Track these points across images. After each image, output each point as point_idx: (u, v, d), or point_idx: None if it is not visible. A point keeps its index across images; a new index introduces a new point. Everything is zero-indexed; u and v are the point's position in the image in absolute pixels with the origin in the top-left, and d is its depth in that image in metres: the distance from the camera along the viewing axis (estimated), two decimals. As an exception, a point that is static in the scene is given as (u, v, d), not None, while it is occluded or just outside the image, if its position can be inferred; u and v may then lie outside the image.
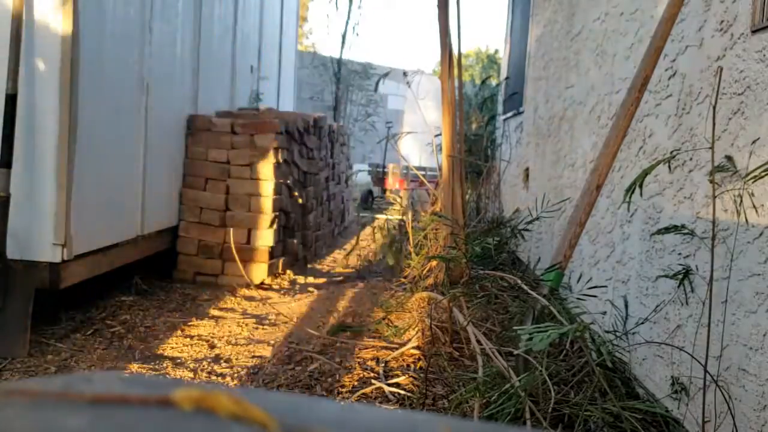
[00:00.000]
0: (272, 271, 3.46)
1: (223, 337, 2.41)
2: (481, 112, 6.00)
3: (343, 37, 11.37)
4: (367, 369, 2.13)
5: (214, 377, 2.04)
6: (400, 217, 3.78)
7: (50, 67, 2.17)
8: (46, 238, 2.19)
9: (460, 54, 3.18)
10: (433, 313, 2.42)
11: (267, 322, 2.65)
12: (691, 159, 1.65)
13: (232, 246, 3.34)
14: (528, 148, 4.05)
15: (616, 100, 2.26)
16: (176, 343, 2.33)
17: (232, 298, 3.05)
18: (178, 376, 2.03)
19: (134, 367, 2.08)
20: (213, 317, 2.69)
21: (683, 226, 1.57)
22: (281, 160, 3.50)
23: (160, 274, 3.34)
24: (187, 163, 3.41)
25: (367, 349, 2.34)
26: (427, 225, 3.67)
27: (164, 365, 2.10)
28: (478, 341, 1.97)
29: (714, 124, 1.46)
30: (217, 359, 2.18)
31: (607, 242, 2.26)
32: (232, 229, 3.36)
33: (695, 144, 1.63)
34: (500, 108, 5.61)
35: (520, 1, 4.93)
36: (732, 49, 1.48)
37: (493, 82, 7.03)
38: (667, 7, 1.66)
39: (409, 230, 3.64)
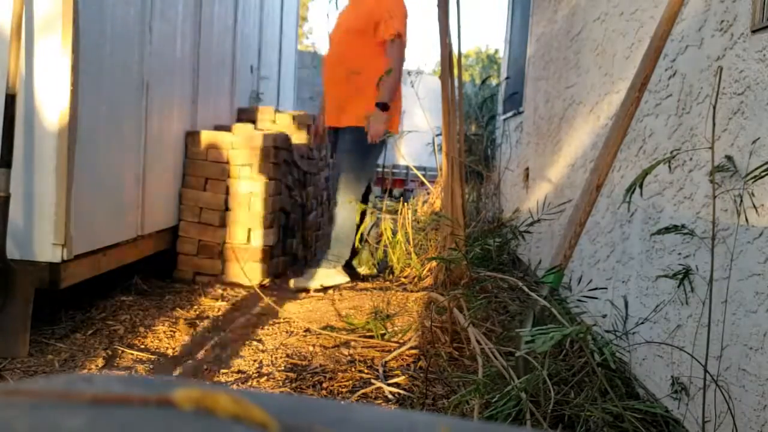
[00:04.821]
0: (272, 272, 3.46)
1: (222, 338, 2.42)
2: (481, 112, 6.01)
3: (343, 36, 11.33)
4: (367, 369, 2.13)
5: (214, 377, 2.05)
6: (400, 217, 3.78)
7: (50, 67, 2.17)
8: (46, 238, 2.19)
9: (460, 54, 3.18)
10: (433, 313, 2.42)
11: (267, 321, 2.65)
12: (691, 159, 1.65)
13: (232, 246, 3.34)
14: (528, 148, 4.05)
15: (616, 100, 2.26)
16: (176, 344, 2.33)
17: (232, 299, 3.05)
18: (178, 376, 2.03)
19: (134, 367, 2.08)
20: (213, 317, 2.69)
21: (683, 226, 1.57)
22: (281, 160, 3.50)
23: (160, 274, 3.34)
24: (186, 162, 3.41)
25: (366, 348, 2.34)
26: (427, 225, 3.67)
27: (164, 365, 2.10)
28: (478, 341, 1.97)
29: (714, 124, 1.46)
30: (217, 359, 2.18)
31: (607, 242, 2.26)
32: (231, 229, 3.36)
33: (695, 144, 1.63)
34: (500, 108, 5.61)
35: (520, 1, 4.93)
36: (732, 49, 1.48)
37: (493, 82, 7.03)
38: (667, 7, 1.66)
39: (409, 230, 3.64)
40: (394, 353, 2.25)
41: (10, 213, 2.11)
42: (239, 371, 2.08)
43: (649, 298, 1.85)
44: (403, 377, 2.04)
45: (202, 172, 3.41)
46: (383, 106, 3.28)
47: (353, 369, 2.12)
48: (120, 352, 2.21)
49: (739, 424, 1.33)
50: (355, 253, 3.71)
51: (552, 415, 1.55)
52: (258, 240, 3.38)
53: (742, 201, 1.37)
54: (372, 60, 3.35)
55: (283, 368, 2.10)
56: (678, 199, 1.71)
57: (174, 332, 2.45)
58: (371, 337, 2.46)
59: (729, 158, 1.44)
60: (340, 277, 3.40)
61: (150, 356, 2.19)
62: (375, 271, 3.74)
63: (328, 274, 3.37)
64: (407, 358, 2.24)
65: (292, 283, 3.31)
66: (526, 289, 1.74)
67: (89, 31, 2.30)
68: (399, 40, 3.32)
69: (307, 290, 3.27)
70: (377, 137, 3.30)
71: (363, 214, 3.61)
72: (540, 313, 1.62)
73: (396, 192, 10.15)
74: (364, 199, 3.60)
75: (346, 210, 3.45)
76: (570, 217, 1.79)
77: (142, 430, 0.24)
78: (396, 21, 3.32)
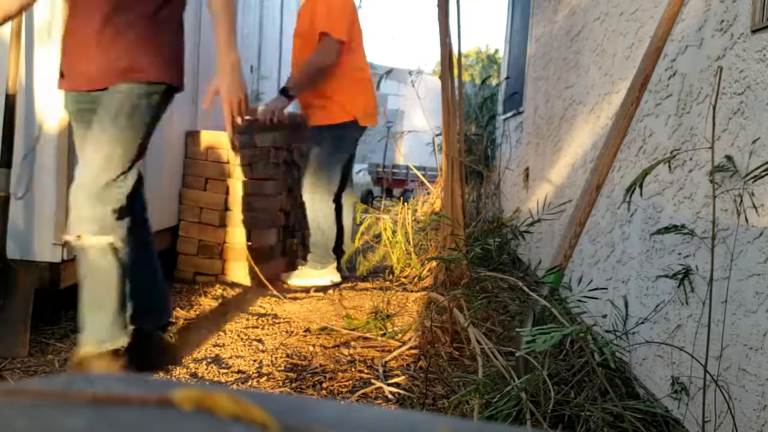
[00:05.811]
0: (272, 271, 3.46)
1: (222, 338, 2.42)
2: (481, 112, 6.01)
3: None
4: (367, 369, 2.13)
5: (214, 377, 2.05)
6: (399, 217, 3.78)
7: (50, 67, 2.17)
8: (46, 238, 2.19)
9: (460, 54, 3.19)
10: (433, 313, 2.42)
11: (267, 322, 2.65)
12: (691, 159, 1.65)
13: (232, 246, 3.34)
14: (528, 148, 4.05)
15: (616, 100, 2.26)
16: (176, 344, 2.33)
17: (232, 299, 3.05)
18: (178, 377, 2.03)
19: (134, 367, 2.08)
20: (212, 317, 2.69)
21: (683, 226, 1.57)
22: (281, 160, 3.50)
23: (160, 274, 3.34)
24: (186, 162, 3.41)
25: (366, 348, 2.34)
26: (427, 225, 3.67)
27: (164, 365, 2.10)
28: (479, 341, 1.97)
29: (714, 124, 1.46)
30: (217, 359, 2.18)
31: (607, 242, 2.26)
32: (231, 229, 3.36)
33: (695, 144, 1.63)
34: (500, 108, 5.61)
35: (520, 1, 4.93)
36: (732, 49, 1.48)
37: (493, 82, 7.04)
38: (667, 7, 1.66)
39: (409, 230, 3.64)
40: (394, 353, 2.25)
41: (10, 213, 2.12)
42: (239, 371, 2.08)
43: (649, 298, 1.85)
44: (403, 377, 2.04)
45: (202, 172, 3.41)
46: (284, 91, 3.29)
47: (353, 369, 2.12)
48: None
49: (739, 424, 1.33)
50: (341, 253, 3.70)
51: (552, 415, 1.55)
52: (258, 240, 3.38)
53: (742, 201, 1.37)
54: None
55: (283, 368, 2.10)
56: (678, 199, 1.71)
57: (174, 332, 2.45)
58: (371, 336, 2.46)
59: (729, 158, 1.44)
60: (330, 278, 3.42)
61: (150, 356, 2.19)
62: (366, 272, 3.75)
63: (319, 274, 3.40)
64: (407, 358, 2.24)
65: (285, 278, 3.37)
66: (526, 289, 1.74)
67: (89, 31, 2.30)
68: (327, 37, 3.26)
69: (307, 290, 3.28)
70: (267, 116, 3.27)
71: (342, 214, 3.63)
72: (540, 313, 1.62)
73: (396, 192, 10.16)
74: (339, 196, 3.57)
75: (318, 211, 3.43)
76: (570, 217, 1.79)
77: (142, 430, 0.24)
78: (327, 19, 3.27)
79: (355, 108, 3.39)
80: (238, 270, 3.33)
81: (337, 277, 3.44)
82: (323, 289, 3.31)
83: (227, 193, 3.39)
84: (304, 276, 3.38)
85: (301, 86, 3.30)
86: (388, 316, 2.64)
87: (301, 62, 3.37)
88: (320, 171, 3.41)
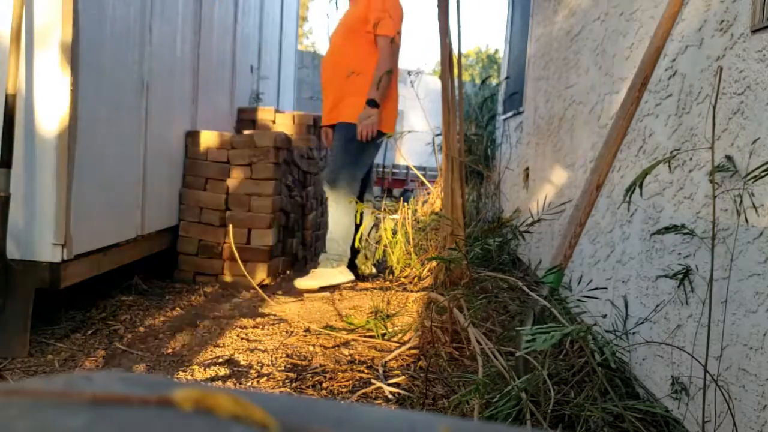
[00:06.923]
0: (272, 272, 3.46)
1: (222, 338, 2.41)
2: (481, 112, 6.00)
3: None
4: (366, 369, 2.13)
5: (214, 377, 2.04)
6: (399, 217, 3.78)
7: (50, 66, 2.17)
8: (46, 238, 2.19)
9: (460, 54, 3.18)
10: (433, 313, 2.42)
11: (266, 322, 2.65)
12: (691, 159, 1.65)
13: (233, 246, 3.34)
14: (528, 148, 4.05)
15: (616, 100, 2.26)
16: (176, 344, 2.33)
17: (232, 298, 3.05)
18: (179, 377, 2.03)
19: (134, 367, 2.08)
20: (212, 317, 2.69)
21: (683, 226, 1.57)
22: (281, 160, 3.50)
23: (161, 274, 3.34)
24: (187, 162, 3.41)
25: (366, 348, 2.34)
26: (427, 225, 3.67)
27: (164, 365, 2.10)
28: (479, 341, 1.97)
29: (714, 124, 1.46)
30: (217, 359, 2.18)
31: (607, 242, 2.26)
32: (231, 229, 3.36)
33: (695, 144, 1.63)
34: (500, 108, 5.61)
35: (520, 1, 4.93)
36: (732, 49, 1.48)
37: (493, 82, 7.04)
38: (667, 7, 1.66)
39: (409, 230, 3.64)
40: (394, 353, 2.25)
41: (11, 213, 2.12)
42: (239, 371, 2.08)
43: (649, 298, 1.85)
44: (403, 377, 2.04)
45: (202, 172, 3.41)
46: (374, 104, 3.29)
47: (353, 369, 2.12)
48: (120, 352, 2.21)
49: (739, 424, 1.33)
50: (356, 252, 3.71)
51: (552, 415, 1.55)
52: (258, 240, 3.38)
53: (742, 201, 1.37)
54: (370, 60, 3.35)
55: (283, 368, 2.10)
56: (678, 199, 1.71)
57: (174, 332, 2.45)
58: (371, 337, 2.46)
59: (729, 158, 1.44)
60: (343, 276, 3.40)
61: (150, 356, 2.19)
62: (374, 270, 3.76)
63: (332, 273, 3.37)
64: (407, 358, 2.24)
65: (297, 283, 3.32)
66: (526, 289, 1.74)
67: (89, 31, 2.30)
68: (395, 39, 3.34)
69: (311, 291, 3.28)
70: (368, 135, 3.29)
71: (362, 214, 3.61)
72: (540, 313, 1.62)
73: (396, 192, 10.14)
74: (360, 198, 3.58)
75: (341, 208, 3.42)
76: (570, 217, 1.79)
77: (142, 430, 0.24)
78: (393, 21, 3.33)
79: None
80: (238, 270, 3.33)
81: (349, 276, 3.43)
82: (325, 288, 3.31)
83: (227, 193, 3.39)
84: (315, 277, 3.36)
85: (384, 95, 3.35)
86: (388, 316, 2.63)
87: (353, 57, 3.40)
88: (346, 170, 3.39)
